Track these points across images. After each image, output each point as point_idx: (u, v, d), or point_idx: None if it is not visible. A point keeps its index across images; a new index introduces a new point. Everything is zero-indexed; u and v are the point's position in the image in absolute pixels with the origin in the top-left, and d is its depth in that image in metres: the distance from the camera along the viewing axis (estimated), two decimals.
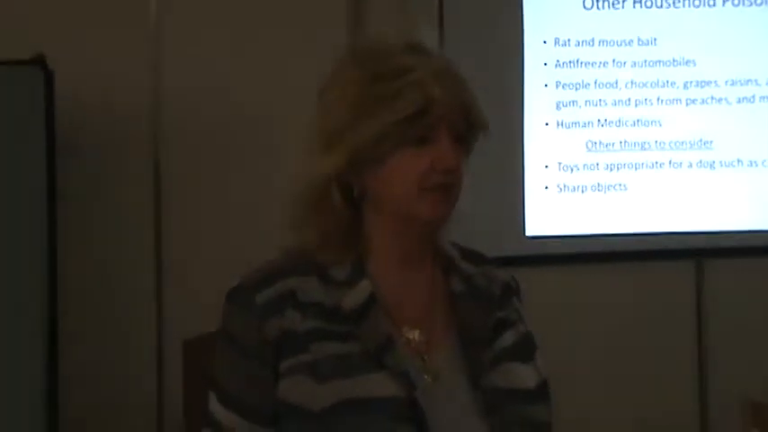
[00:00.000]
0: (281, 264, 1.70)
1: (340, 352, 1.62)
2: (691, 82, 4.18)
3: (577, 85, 4.15)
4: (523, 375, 1.71)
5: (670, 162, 4.17)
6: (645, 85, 4.17)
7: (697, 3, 4.20)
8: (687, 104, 4.18)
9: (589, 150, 4.15)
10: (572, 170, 4.14)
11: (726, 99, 4.20)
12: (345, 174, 1.66)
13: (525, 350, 1.76)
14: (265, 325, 1.63)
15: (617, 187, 4.16)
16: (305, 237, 1.70)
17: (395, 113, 1.60)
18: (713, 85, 4.19)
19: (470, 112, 1.66)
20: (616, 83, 4.17)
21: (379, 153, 1.62)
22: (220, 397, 1.68)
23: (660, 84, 4.18)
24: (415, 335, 1.68)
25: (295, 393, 1.61)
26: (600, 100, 4.16)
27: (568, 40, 4.16)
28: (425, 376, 1.65)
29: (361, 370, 1.61)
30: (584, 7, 4.17)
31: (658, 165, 4.17)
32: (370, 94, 1.62)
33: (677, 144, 4.17)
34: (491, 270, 1.81)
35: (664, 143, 4.17)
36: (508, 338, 1.74)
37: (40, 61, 3.45)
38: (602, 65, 4.17)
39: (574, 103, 4.15)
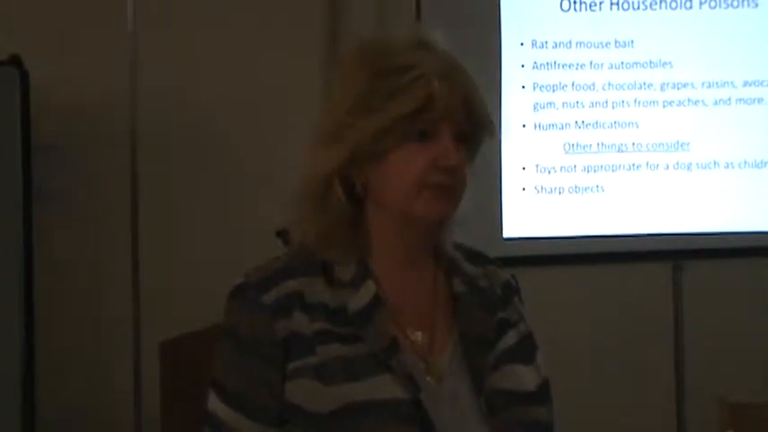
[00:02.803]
0: (286, 263, 1.70)
1: (346, 354, 1.62)
2: (667, 84, 4.19)
3: (554, 87, 4.15)
4: (525, 377, 1.72)
5: (647, 164, 4.18)
6: (622, 86, 4.18)
7: (674, 5, 4.21)
8: (664, 106, 4.19)
9: (566, 152, 4.16)
10: (549, 172, 4.15)
11: (702, 101, 4.21)
12: (348, 170, 1.66)
13: (526, 351, 1.76)
14: (274, 325, 1.63)
15: (594, 189, 4.17)
16: (307, 234, 1.69)
17: (396, 109, 1.61)
18: (690, 87, 4.20)
19: (475, 111, 1.67)
20: (593, 85, 4.18)
21: (380, 149, 1.63)
22: (225, 397, 1.66)
23: (637, 86, 4.18)
24: (418, 337, 1.69)
25: (301, 396, 1.61)
26: (577, 102, 4.17)
27: (546, 41, 4.16)
28: (428, 379, 1.65)
29: (367, 372, 1.61)
30: (562, 9, 4.17)
31: (635, 166, 4.17)
32: (373, 90, 1.63)
33: (654, 146, 4.18)
34: (493, 270, 1.82)
35: (641, 145, 4.18)
36: (510, 339, 1.74)
37: (15, 61, 3.44)
38: (579, 67, 4.17)
39: (551, 104, 4.16)
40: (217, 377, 1.68)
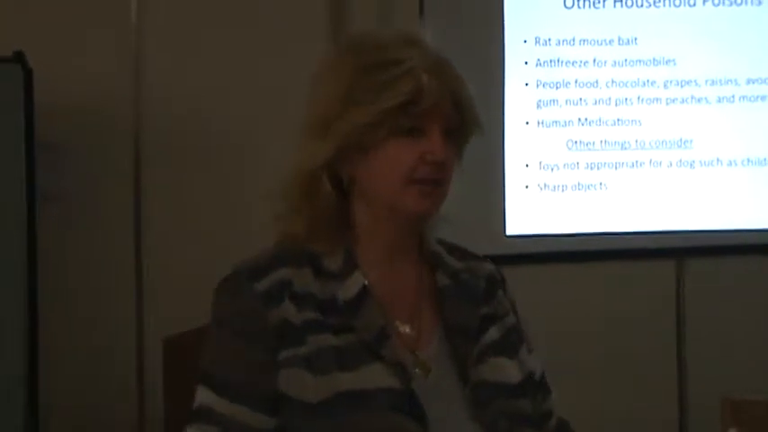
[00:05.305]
0: (274, 253, 1.71)
1: (336, 344, 1.63)
2: (671, 81, 4.19)
3: (558, 84, 4.15)
4: (509, 370, 1.74)
5: (650, 161, 4.18)
6: (625, 84, 4.18)
7: (677, 2, 4.20)
8: (667, 104, 4.19)
9: (569, 149, 4.16)
10: (552, 169, 4.14)
11: (706, 99, 4.21)
12: (335, 162, 1.67)
13: (511, 345, 1.79)
14: (267, 313, 1.63)
15: (597, 186, 4.17)
16: (293, 226, 1.70)
17: (385, 102, 1.62)
18: (693, 84, 4.20)
19: (463, 106, 1.68)
20: (596, 82, 4.17)
21: (368, 142, 1.64)
22: (218, 388, 1.65)
23: (640, 83, 4.18)
24: (406, 329, 1.70)
25: (293, 386, 1.61)
26: (580, 99, 4.16)
27: (549, 39, 4.16)
28: (417, 370, 1.67)
29: (359, 361, 1.62)
30: (565, 6, 4.17)
31: (638, 164, 4.18)
32: (362, 83, 1.64)
33: (657, 143, 4.18)
34: (476, 264, 1.83)
35: (644, 142, 4.18)
36: (494, 334, 1.76)
37: (19, 59, 3.43)
38: (582, 64, 4.17)
39: (554, 102, 4.15)
40: (210, 371, 1.67)
